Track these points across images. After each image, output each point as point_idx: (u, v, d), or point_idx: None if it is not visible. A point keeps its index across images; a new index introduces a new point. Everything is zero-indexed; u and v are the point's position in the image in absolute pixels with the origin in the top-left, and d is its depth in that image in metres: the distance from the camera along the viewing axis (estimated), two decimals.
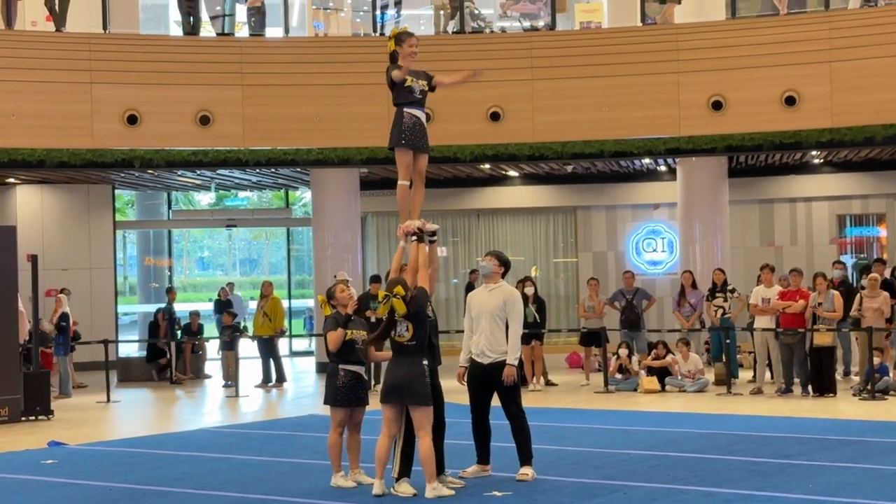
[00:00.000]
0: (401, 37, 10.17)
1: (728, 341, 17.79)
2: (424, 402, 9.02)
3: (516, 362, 9.84)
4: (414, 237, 9.68)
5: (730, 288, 18.82)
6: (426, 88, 10.07)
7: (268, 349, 20.04)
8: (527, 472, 9.78)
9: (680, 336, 18.38)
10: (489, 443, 10.00)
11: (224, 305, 22.48)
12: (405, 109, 9.95)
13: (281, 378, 19.94)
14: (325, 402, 9.75)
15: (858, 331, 17.04)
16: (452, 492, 9.04)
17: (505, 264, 10.23)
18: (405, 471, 9.31)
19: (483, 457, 10.00)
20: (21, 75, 18.77)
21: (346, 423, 9.63)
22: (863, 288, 17.89)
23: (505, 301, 9.92)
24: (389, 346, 9.34)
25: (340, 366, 9.58)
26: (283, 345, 22.84)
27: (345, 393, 9.55)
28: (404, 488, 9.12)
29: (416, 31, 22.85)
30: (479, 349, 9.85)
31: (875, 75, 18.48)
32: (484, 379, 9.84)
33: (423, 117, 9.97)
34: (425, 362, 9.14)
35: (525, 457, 9.87)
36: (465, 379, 9.94)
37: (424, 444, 8.96)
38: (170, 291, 22.59)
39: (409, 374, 9.06)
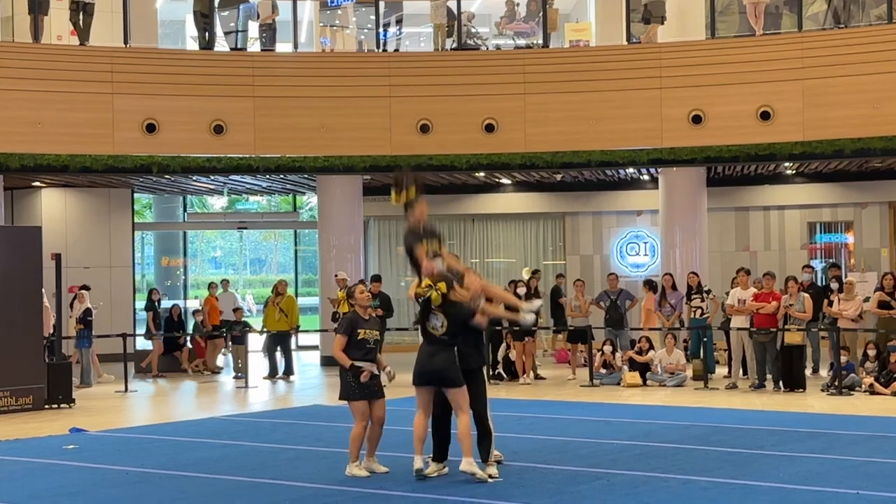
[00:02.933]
0: (411, 203, 9.74)
1: (705, 339, 17.81)
2: (457, 384, 9.02)
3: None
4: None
5: (706, 289, 18.85)
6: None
7: (281, 343, 20.04)
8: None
9: (663, 333, 18.38)
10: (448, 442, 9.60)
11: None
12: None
13: (289, 371, 19.93)
14: (341, 398, 9.62)
15: (829, 329, 17.08)
16: (485, 476, 8.93)
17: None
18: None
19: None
20: (47, 86, 18.76)
21: (367, 416, 9.48)
22: (832, 290, 17.94)
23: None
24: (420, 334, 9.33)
25: (354, 362, 9.48)
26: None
27: (358, 387, 9.47)
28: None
29: (416, 48, 23.04)
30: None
31: (844, 92, 18.49)
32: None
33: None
34: (456, 349, 9.09)
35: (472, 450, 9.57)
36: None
37: (463, 421, 8.95)
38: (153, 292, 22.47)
39: (442, 362, 9.03)
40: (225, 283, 23.10)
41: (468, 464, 8.84)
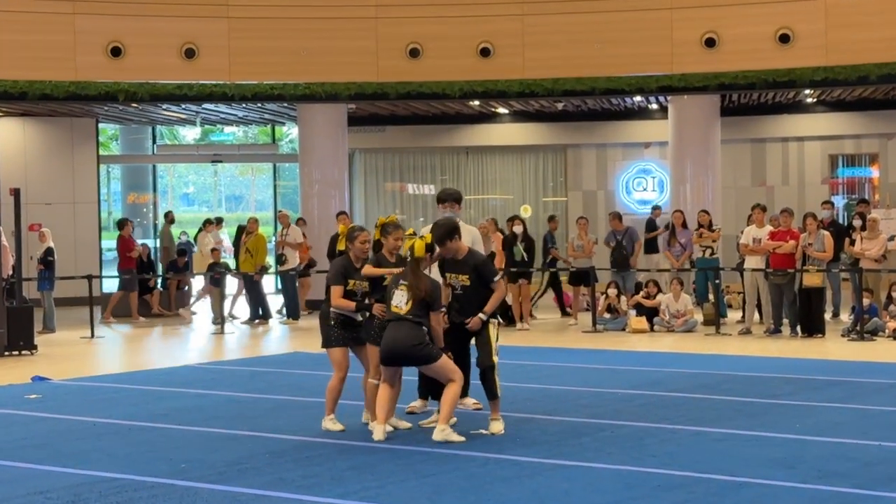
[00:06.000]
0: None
1: (718, 281, 17.83)
2: (429, 361, 8.86)
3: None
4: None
5: (716, 228, 18.86)
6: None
7: (251, 286, 20.06)
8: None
9: (670, 275, 18.42)
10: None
11: None
12: None
13: (265, 315, 19.95)
14: (322, 346, 9.53)
15: (851, 270, 17.11)
16: (463, 438, 8.84)
17: (459, 201, 10.12)
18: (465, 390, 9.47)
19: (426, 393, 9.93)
20: (2, 5, 18.60)
21: (346, 365, 9.41)
22: (853, 229, 17.95)
23: (473, 240, 9.83)
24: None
25: (332, 309, 9.43)
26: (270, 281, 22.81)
27: (337, 332, 9.37)
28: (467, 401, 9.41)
29: None
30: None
31: (870, 12, 18.39)
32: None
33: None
34: (425, 328, 8.86)
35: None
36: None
37: (452, 389, 8.85)
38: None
39: (406, 340, 8.79)
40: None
41: (441, 432, 8.79)
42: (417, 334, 8.83)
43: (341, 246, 9.62)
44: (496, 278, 9.30)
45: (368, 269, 9.30)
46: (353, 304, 9.26)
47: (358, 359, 9.53)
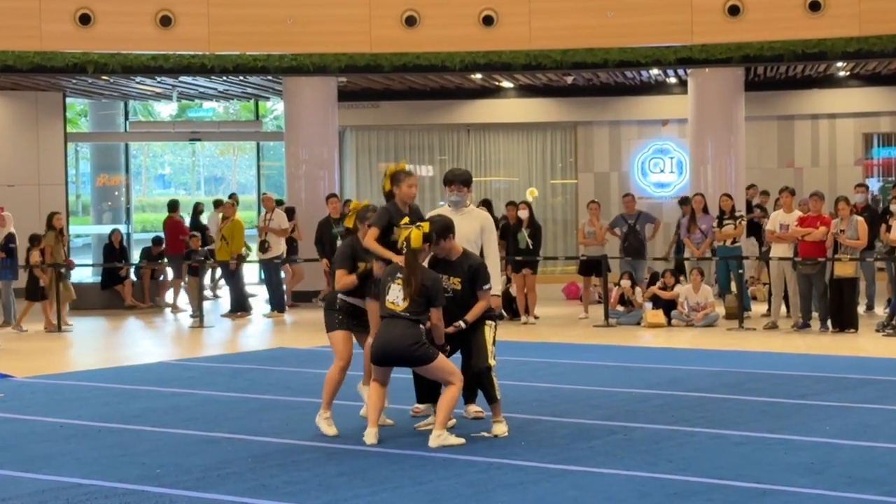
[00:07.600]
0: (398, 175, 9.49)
1: (741, 271, 17.83)
2: (426, 361, 8.88)
3: (500, 290, 9.89)
4: None
5: (738, 214, 18.84)
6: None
7: (229, 275, 20.12)
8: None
9: (690, 265, 18.42)
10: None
11: None
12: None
13: (244, 307, 19.97)
14: (327, 331, 9.55)
15: (887, 260, 17.11)
16: (462, 441, 8.89)
17: (468, 183, 10.12)
18: (470, 396, 9.57)
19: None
20: None
21: (348, 353, 9.42)
22: (890, 214, 17.96)
23: (482, 227, 9.83)
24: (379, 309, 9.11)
25: (339, 296, 9.41)
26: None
27: (343, 316, 9.38)
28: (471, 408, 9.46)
29: None
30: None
31: None
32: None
33: None
34: (422, 326, 8.88)
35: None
36: None
37: (450, 392, 8.90)
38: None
39: (401, 339, 8.82)
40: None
41: (437, 438, 8.79)
42: (413, 333, 8.85)
43: (349, 223, 9.56)
44: (486, 286, 9.25)
45: (370, 243, 9.25)
46: (353, 278, 9.29)
47: (361, 347, 9.53)
